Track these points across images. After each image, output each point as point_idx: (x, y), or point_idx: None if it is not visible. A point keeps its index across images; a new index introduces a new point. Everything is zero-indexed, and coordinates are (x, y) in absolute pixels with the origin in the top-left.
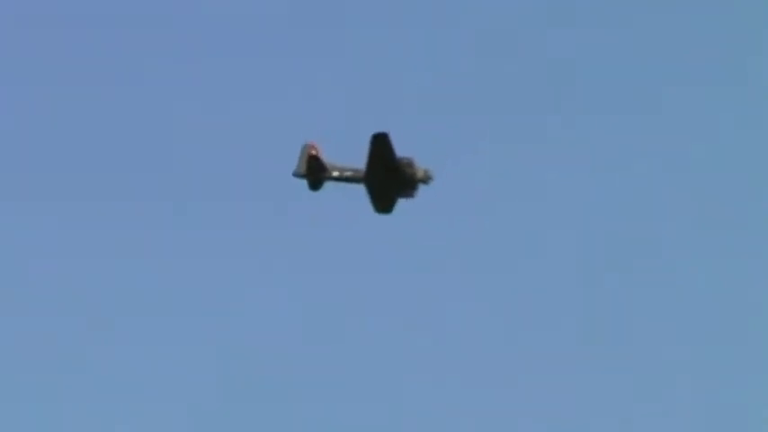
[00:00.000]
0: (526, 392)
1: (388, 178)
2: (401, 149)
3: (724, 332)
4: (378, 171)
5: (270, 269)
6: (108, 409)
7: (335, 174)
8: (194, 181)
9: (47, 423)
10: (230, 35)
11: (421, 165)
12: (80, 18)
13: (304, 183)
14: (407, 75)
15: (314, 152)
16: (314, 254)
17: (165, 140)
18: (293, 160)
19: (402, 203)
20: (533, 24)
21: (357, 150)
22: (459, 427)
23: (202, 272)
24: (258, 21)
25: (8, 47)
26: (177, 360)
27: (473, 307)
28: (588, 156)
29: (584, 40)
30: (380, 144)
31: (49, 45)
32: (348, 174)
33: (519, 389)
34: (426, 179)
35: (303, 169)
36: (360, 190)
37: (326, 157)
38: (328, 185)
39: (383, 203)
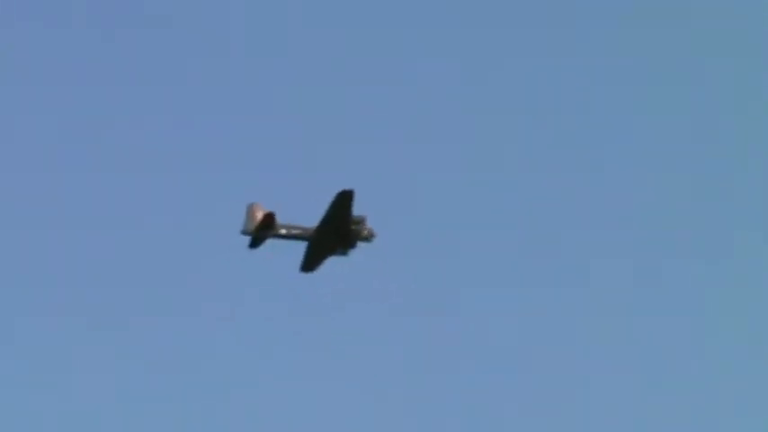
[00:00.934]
0: None
1: (337, 234)
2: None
3: None
4: (330, 227)
5: None
6: None
7: (283, 231)
8: None
9: None
10: None
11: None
12: None
13: (245, 240)
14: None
15: (267, 211)
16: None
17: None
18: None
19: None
20: None
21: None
22: None
23: None
24: None
25: None
26: None
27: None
28: None
29: None
30: (344, 200)
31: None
32: (295, 232)
33: None
34: (370, 237)
35: (254, 227)
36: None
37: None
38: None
39: (315, 261)
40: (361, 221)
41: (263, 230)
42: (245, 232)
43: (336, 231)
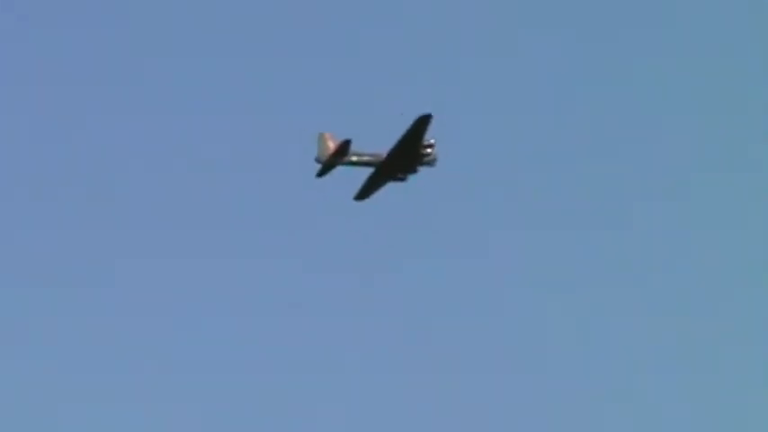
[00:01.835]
0: None
1: (407, 158)
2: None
3: None
4: (402, 151)
5: None
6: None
7: (354, 158)
8: None
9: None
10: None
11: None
12: None
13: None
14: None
15: (339, 141)
16: None
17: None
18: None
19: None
20: None
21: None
22: None
23: None
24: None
25: None
26: None
27: None
28: None
29: None
30: (422, 124)
31: None
32: (366, 158)
33: None
34: (433, 162)
35: (329, 154)
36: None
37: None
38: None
39: (374, 188)
40: (430, 146)
41: (335, 157)
42: (318, 160)
43: (407, 155)
